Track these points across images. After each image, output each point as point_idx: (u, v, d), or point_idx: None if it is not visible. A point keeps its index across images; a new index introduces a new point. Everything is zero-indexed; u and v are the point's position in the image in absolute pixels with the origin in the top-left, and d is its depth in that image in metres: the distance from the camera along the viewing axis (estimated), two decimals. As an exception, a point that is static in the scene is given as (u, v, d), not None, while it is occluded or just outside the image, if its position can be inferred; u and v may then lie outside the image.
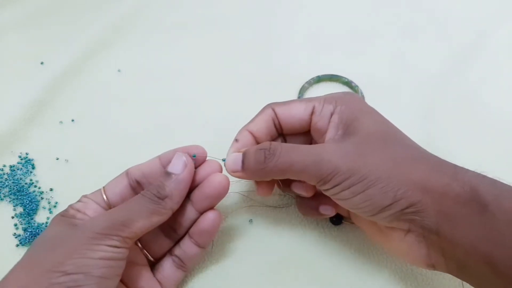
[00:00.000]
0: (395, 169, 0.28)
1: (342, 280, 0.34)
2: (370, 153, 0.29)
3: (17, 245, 0.36)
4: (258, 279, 0.34)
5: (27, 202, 0.38)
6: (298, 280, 0.34)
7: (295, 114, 0.33)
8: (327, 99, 0.33)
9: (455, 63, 0.49)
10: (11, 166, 0.41)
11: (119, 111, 0.45)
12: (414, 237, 0.28)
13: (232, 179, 0.32)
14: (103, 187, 0.32)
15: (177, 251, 0.32)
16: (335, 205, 0.32)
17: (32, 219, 0.38)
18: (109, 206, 0.31)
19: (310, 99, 0.34)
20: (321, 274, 0.34)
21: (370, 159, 0.28)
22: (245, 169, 0.31)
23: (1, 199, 0.39)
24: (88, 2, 0.55)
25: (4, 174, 0.40)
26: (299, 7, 0.56)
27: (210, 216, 0.32)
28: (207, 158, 0.33)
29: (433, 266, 0.29)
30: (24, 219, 0.37)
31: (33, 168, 0.41)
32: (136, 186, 0.32)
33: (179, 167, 0.30)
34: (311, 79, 0.47)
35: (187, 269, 0.33)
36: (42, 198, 0.39)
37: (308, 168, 0.29)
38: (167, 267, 0.32)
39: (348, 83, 0.47)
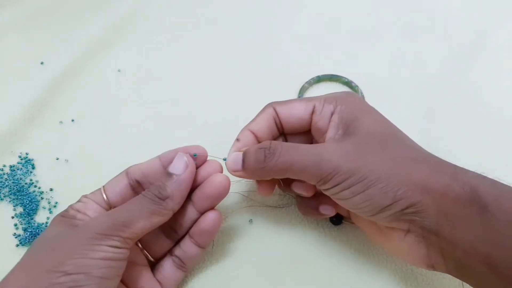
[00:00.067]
0: (395, 169, 0.28)
1: (342, 280, 0.34)
2: (370, 153, 0.29)
3: (17, 245, 0.36)
4: (258, 279, 0.34)
5: (27, 202, 0.38)
6: (298, 280, 0.34)
7: (296, 113, 0.33)
8: (327, 98, 0.33)
9: (455, 63, 0.49)
10: (11, 166, 0.41)
11: (119, 111, 0.45)
12: (414, 238, 0.28)
13: (232, 179, 0.32)
14: (103, 186, 0.32)
15: (177, 251, 0.32)
16: (335, 205, 0.32)
17: (32, 219, 0.38)
18: (109, 205, 0.31)
19: (311, 99, 0.34)
20: (321, 274, 0.34)
21: (370, 159, 0.28)
22: (245, 169, 0.31)
23: (1, 199, 0.39)
24: (88, 2, 0.55)
25: (4, 174, 0.40)
26: (299, 7, 0.56)
27: (210, 216, 0.32)
28: (208, 158, 0.33)
29: (432, 267, 0.29)
30: (24, 219, 0.37)
31: (33, 168, 0.41)
32: (136, 186, 0.32)
33: (180, 167, 0.30)
34: (311, 79, 0.47)
35: (187, 269, 0.33)
36: (42, 198, 0.39)
37: (308, 168, 0.29)
38: (167, 267, 0.32)
39: (348, 83, 0.47)
